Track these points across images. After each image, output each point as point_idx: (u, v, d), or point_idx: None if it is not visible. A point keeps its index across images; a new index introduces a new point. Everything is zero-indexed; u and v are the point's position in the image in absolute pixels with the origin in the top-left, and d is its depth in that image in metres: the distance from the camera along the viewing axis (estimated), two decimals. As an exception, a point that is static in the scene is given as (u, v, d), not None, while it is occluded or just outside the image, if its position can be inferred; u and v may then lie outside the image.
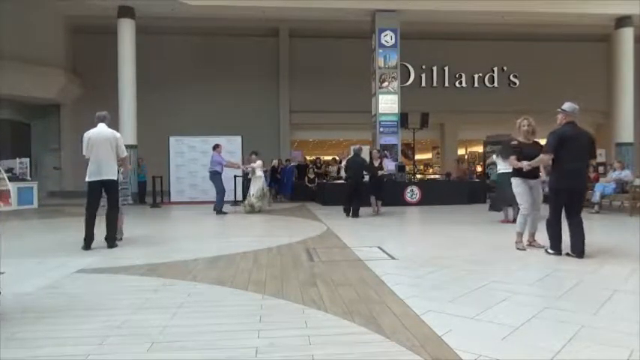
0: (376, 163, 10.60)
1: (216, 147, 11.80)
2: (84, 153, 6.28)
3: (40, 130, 20.17)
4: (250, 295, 3.84)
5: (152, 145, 16.41)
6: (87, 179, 6.27)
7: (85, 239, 6.23)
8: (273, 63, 21.05)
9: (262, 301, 3.67)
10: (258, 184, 11.55)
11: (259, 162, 11.65)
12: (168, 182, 15.36)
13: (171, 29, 19.09)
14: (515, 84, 21.62)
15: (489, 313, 3.30)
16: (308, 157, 21.72)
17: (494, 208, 9.63)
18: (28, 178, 14.54)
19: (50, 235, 8.17)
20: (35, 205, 13.49)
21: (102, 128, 6.42)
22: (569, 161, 5.25)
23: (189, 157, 15.59)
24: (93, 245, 6.26)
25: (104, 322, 3.18)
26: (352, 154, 10.91)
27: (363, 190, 10.41)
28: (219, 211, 11.38)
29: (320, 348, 2.69)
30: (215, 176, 11.57)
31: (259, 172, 11.59)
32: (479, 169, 20.71)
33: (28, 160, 15.43)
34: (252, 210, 11.42)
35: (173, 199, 15.34)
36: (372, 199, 10.78)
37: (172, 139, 15.61)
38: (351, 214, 10.25)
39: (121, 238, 6.85)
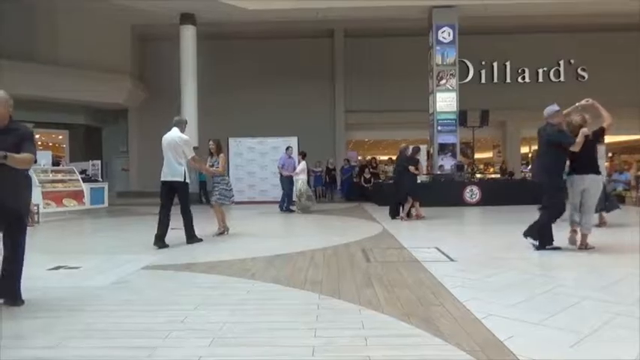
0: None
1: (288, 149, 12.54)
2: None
3: (110, 133, 21.42)
4: (307, 294, 3.88)
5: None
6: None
7: (155, 236, 6.49)
8: (329, 63, 21.16)
9: (319, 300, 3.69)
10: (296, 186, 11.80)
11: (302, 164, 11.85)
12: (227, 182, 15.81)
13: (229, 34, 19.63)
14: (583, 78, 20.50)
15: (556, 319, 3.14)
16: (360, 158, 21.60)
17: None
18: (100, 179, 15.39)
19: (119, 233, 8.62)
20: (106, 204, 14.26)
21: (171, 132, 6.81)
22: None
23: (248, 158, 15.94)
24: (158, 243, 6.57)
25: (168, 316, 3.33)
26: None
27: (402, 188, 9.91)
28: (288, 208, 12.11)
29: (377, 349, 2.67)
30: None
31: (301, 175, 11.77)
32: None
33: (99, 162, 16.36)
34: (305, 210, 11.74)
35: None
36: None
37: (231, 141, 16.00)
38: (398, 214, 9.88)
39: (226, 232, 7.65)
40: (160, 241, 6.42)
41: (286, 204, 12.15)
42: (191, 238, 6.77)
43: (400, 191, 9.80)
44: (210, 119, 17.62)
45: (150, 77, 20.67)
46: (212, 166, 7.49)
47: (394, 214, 9.91)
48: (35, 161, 3.63)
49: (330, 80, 21.15)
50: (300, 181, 11.63)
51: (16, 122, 3.66)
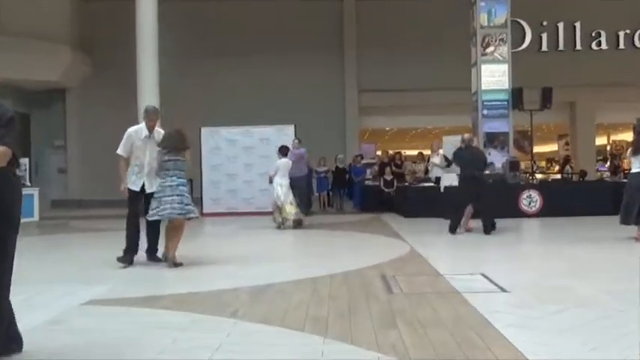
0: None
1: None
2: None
3: (41, 121, 21.44)
4: (308, 338, 3.87)
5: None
6: None
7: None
8: (336, 28, 21.17)
9: (323, 345, 3.68)
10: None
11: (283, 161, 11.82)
12: (200, 187, 15.74)
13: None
14: (680, 43, 20.51)
15: (645, 370, 3.13)
16: (379, 153, 21.57)
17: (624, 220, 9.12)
18: (28, 183, 15.38)
19: (54, 255, 8.62)
20: (36, 217, 14.29)
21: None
22: None
23: (228, 155, 15.87)
24: (110, 267, 6.64)
25: (121, 368, 3.32)
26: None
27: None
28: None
29: (402, 411, 2.66)
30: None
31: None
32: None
33: (27, 160, 16.31)
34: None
35: (207, 209, 15.68)
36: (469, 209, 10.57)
37: (205, 131, 15.94)
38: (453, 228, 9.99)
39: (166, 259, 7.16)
40: (152, 256, 7.23)
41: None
42: (119, 258, 7.05)
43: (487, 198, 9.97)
44: (176, 103, 17.59)
45: (96, 47, 20.70)
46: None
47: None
48: (16, 159, 3.38)
49: (338, 51, 21.16)
50: (279, 186, 11.55)
51: None
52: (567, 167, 20.21)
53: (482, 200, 9.90)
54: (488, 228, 9.79)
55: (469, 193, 9.95)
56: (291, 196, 11.63)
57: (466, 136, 10.79)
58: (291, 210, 11.58)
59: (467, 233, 9.94)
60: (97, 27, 20.73)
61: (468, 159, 10.26)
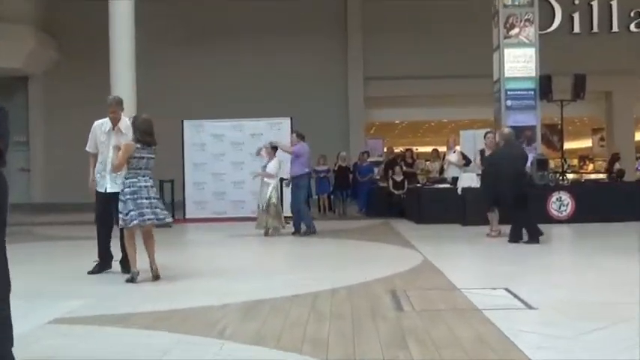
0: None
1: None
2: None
3: None
4: (306, 361, 3.89)
5: (158, 133, 16.90)
6: None
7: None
8: (339, 10, 21.17)
9: (324, 369, 3.71)
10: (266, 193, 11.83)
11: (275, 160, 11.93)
12: (182, 189, 15.75)
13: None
14: None
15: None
16: (386, 150, 21.61)
17: None
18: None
19: (16, 267, 8.59)
20: (-5, 224, 14.28)
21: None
22: None
23: (214, 152, 15.89)
24: (81, 280, 6.62)
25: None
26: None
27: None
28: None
29: None
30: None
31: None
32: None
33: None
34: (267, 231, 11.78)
35: (190, 214, 15.70)
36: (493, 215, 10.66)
37: (188, 125, 15.94)
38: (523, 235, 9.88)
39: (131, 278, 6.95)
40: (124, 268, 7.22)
41: (299, 223, 12.12)
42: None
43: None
44: (155, 93, 17.60)
45: (63, 31, 20.67)
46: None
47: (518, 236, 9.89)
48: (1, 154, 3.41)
49: (340, 34, 21.15)
50: (272, 186, 11.66)
51: None
52: (616, 165, 19.65)
53: (527, 203, 9.92)
54: (515, 237, 9.79)
55: (511, 194, 9.95)
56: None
57: (506, 131, 10.80)
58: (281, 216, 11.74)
59: (489, 241, 9.96)
60: (64, 6, 20.69)
61: (509, 157, 10.23)
